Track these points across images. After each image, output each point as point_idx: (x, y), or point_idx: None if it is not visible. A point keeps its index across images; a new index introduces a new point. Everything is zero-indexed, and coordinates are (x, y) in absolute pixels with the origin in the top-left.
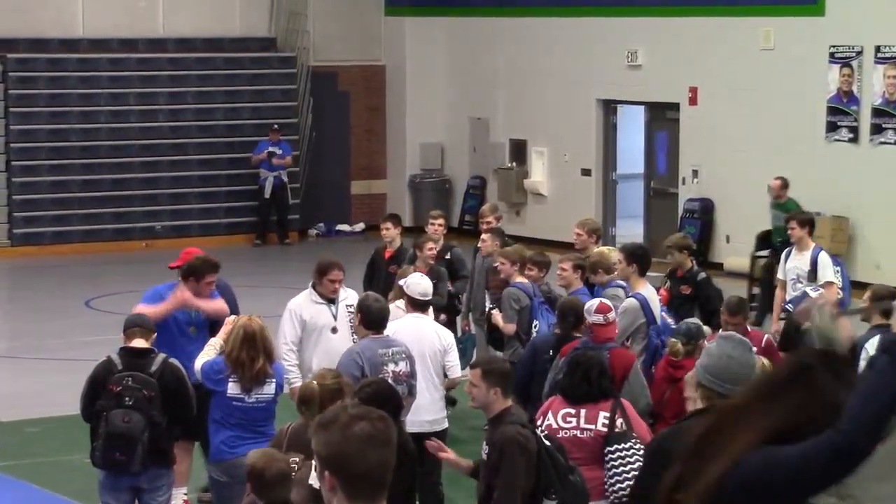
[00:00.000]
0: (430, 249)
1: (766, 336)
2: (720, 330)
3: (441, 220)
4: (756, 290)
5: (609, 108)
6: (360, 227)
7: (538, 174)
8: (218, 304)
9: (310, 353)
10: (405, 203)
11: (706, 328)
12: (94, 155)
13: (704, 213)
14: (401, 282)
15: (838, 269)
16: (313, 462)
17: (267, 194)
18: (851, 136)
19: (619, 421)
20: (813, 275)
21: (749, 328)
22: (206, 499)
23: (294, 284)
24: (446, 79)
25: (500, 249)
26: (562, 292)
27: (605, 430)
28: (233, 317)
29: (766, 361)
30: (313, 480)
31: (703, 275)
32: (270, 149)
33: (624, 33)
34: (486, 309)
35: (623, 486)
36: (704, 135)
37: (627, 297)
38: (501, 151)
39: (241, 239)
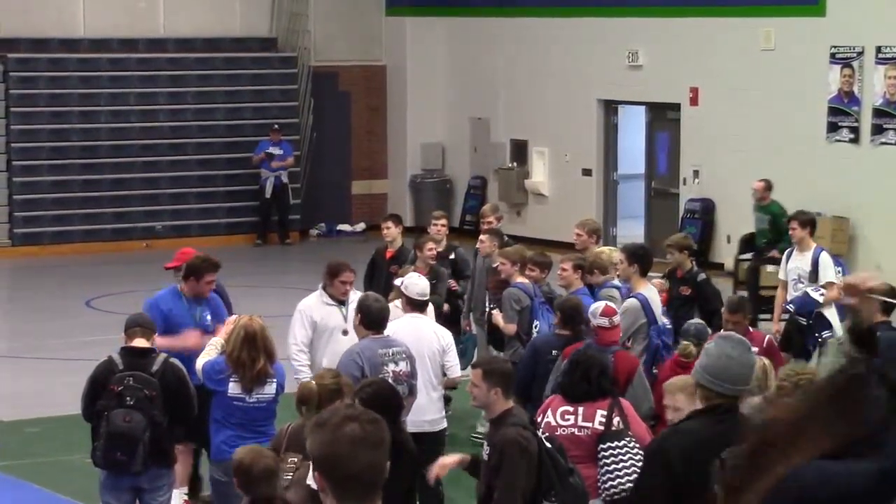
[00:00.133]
0: (431, 250)
1: (767, 336)
2: (720, 330)
3: (444, 221)
4: (742, 293)
5: (610, 108)
6: (360, 227)
7: (539, 174)
8: (194, 342)
9: (320, 355)
10: (406, 203)
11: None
12: (94, 155)
13: (705, 213)
14: (397, 282)
15: (839, 269)
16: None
17: (268, 194)
18: (852, 136)
19: (616, 420)
20: (814, 275)
21: (750, 328)
22: (206, 499)
23: (294, 284)
24: (447, 79)
25: (501, 250)
26: (562, 292)
27: (601, 428)
28: (234, 316)
29: (766, 361)
30: (311, 481)
31: (702, 275)
32: (270, 149)
33: (625, 33)
34: (487, 309)
35: (614, 483)
36: (705, 135)
37: (627, 297)
38: (502, 151)
39: (241, 239)
